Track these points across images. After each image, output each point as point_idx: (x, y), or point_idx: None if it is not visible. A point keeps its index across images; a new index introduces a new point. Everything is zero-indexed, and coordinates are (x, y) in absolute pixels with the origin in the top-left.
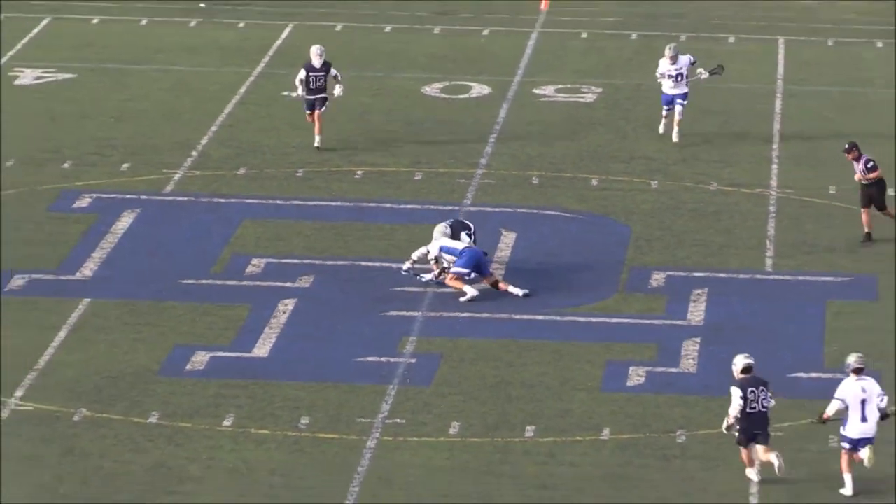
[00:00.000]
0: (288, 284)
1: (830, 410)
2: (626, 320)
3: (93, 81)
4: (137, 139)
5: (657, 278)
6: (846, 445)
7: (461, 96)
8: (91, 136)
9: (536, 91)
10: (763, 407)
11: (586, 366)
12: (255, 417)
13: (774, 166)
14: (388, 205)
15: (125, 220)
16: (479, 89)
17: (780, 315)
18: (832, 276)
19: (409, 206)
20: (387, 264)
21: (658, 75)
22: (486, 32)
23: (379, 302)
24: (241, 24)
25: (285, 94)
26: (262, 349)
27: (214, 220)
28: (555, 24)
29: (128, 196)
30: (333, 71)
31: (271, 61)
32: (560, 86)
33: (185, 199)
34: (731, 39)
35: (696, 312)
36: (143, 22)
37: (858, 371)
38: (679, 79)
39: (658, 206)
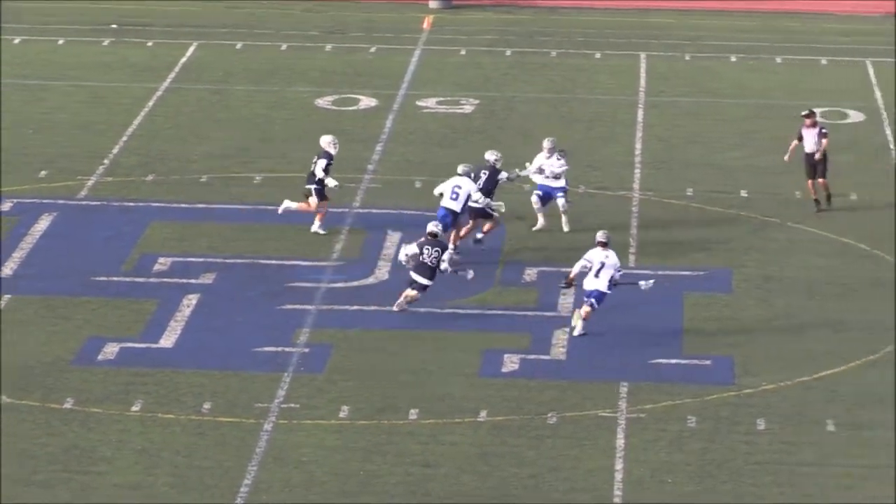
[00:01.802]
0: (192, 281)
1: (575, 270)
2: (501, 312)
3: (14, 96)
4: (54, 148)
5: (530, 273)
6: (590, 298)
7: (350, 108)
8: (12, 146)
9: (419, 103)
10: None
11: (465, 354)
12: (162, 403)
13: (637, 171)
14: None
15: (43, 223)
16: (366, 102)
17: (643, 306)
18: (689, 270)
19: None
20: (282, 262)
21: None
22: (373, 50)
23: (275, 296)
24: (150, 43)
25: (334, 184)
26: (168, 340)
27: (125, 223)
28: (436, 42)
29: (45, 201)
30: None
31: (177, 77)
32: (441, 98)
33: (98, 203)
34: (598, 55)
35: (566, 304)
36: (60, 42)
37: (604, 245)
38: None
39: (531, 207)
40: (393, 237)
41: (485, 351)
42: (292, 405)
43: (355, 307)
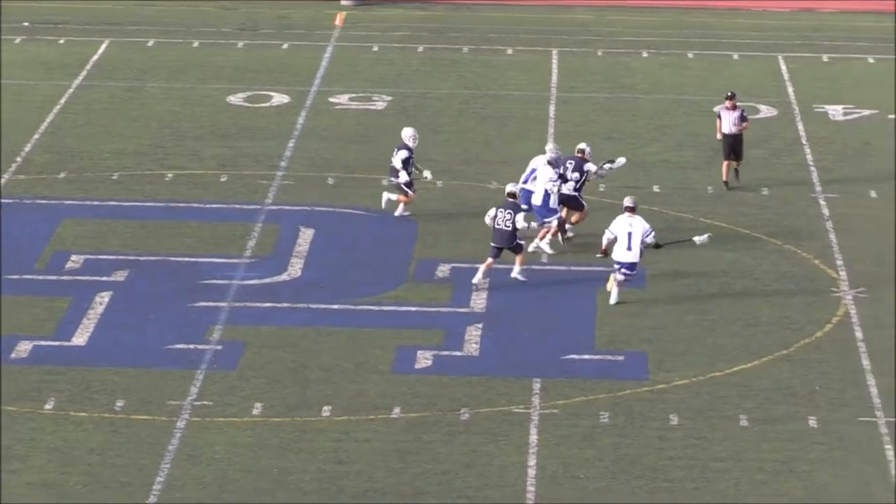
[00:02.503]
0: (104, 278)
1: (605, 242)
2: (414, 308)
3: None
4: None
5: (443, 270)
6: (616, 266)
7: (263, 105)
8: None
9: (332, 100)
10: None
11: (378, 350)
12: (75, 401)
13: None
14: (196, 205)
15: None
16: (279, 98)
17: (555, 302)
18: (602, 266)
19: (215, 206)
20: (194, 259)
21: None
22: (285, 46)
23: (188, 294)
24: (62, 41)
25: (426, 176)
26: (80, 338)
27: (37, 221)
28: (348, 39)
29: None
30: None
31: (89, 74)
32: (353, 95)
33: (11, 201)
34: (509, 51)
35: (479, 301)
36: None
37: (631, 210)
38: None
39: (443, 204)
40: (306, 234)
41: (398, 347)
42: (205, 403)
43: (268, 304)
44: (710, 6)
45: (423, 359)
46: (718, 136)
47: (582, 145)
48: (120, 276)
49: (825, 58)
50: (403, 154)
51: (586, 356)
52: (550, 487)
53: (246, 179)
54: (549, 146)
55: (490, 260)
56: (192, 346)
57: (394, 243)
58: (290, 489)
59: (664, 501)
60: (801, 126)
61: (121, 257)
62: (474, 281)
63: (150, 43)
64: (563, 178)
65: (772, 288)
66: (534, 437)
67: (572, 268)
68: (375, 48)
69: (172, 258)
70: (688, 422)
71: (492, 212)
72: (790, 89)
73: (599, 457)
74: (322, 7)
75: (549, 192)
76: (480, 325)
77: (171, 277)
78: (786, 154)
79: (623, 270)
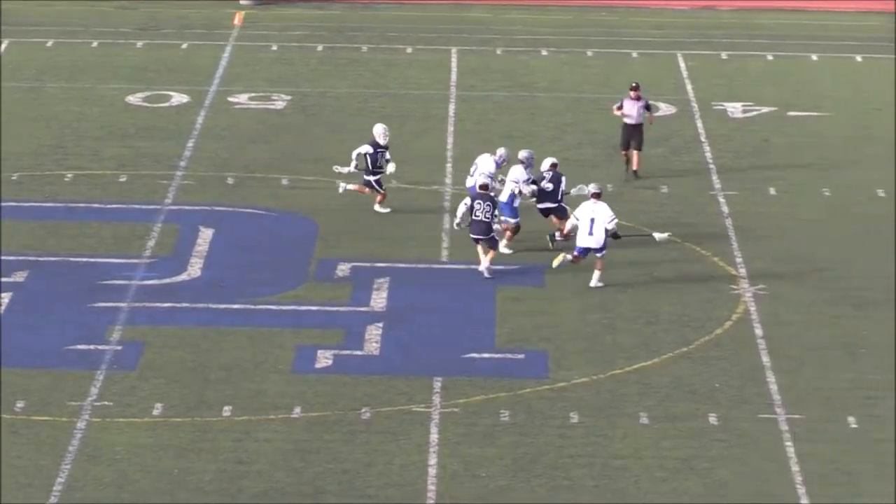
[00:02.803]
0: (4, 279)
1: (567, 227)
2: (314, 308)
3: None
4: None
5: (343, 269)
6: (577, 253)
7: (162, 105)
8: None
9: (231, 99)
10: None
11: (278, 350)
12: None
13: (449, 165)
14: (96, 205)
15: None
16: (178, 98)
17: (456, 301)
18: (502, 264)
19: (114, 207)
20: (94, 259)
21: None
22: (184, 46)
23: (88, 294)
24: None
25: (390, 170)
26: None
27: None
28: (247, 38)
29: None
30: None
31: None
32: (253, 94)
33: None
34: (409, 50)
35: (379, 300)
36: None
37: (597, 196)
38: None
39: (343, 203)
40: (206, 233)
41: (298, 347)
42: (105, 403)
43: (168, 304)
44: (610, 4)
45: (324, 358)
46: (616, 111)
47: (553, 159)
48: (20, 276)
49: (724, 55)
50: (366, 148)
51: (486, 355)
52: (451, 486)
53: (145, 179)
54: (523, 153)
55: (490, 250)
56: (92, 347)
57: (294, 243)
58: (190, 489)
59: (565, 500)
60: (700, 124)
61: (21, 258)
62: (485, 273)
63: (50, 43)
64: (535, 184)
65: (672, 286)
66: (434, 436)
67: (473, 267)
68: (274, 47)
69: (72, 258)
70: (588, 420)
71: (465, 203)
72: (689, 87)
73: (500, 455)
74: (221, 7)
75: (515, 193)
76: (381, 325)
77: (70, 278)
78: (685, 152)
79: (576, 254)
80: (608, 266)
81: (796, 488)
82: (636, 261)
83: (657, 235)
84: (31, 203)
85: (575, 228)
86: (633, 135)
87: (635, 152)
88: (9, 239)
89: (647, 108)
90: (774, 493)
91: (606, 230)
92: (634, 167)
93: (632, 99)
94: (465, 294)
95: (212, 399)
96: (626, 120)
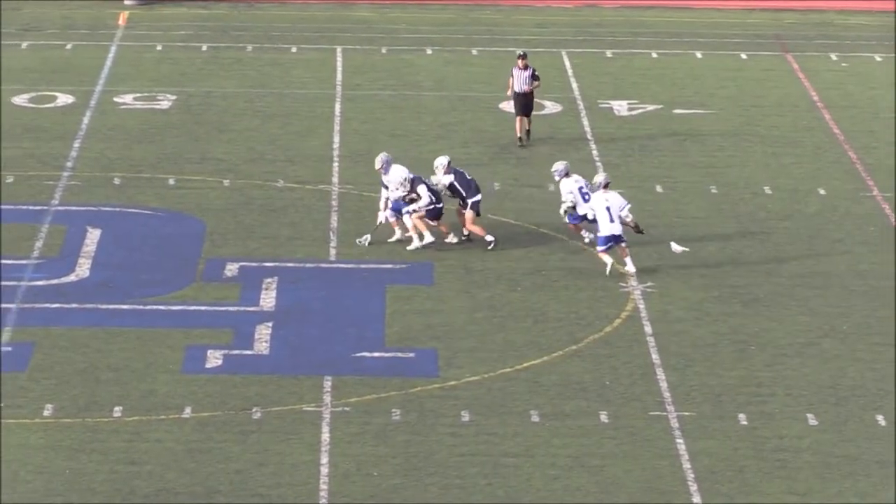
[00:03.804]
0: None
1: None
2: (203, 307)
3: None
4: None
5: (231, 268)
6: (601, 246)
7: (47, 105)
8: None
9: (116, 99)
10: None
11: (168, 350)
12: None
13: (335, 164)
14: None
15: None
16: (63, 99)
17: (345, 300)
18: (391, 263)
19: (1, 207)
20: None
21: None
22: (69, 47)
23: None
24: None
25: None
26: None
27: None
28: (132, 38)
29: None
30: None
31: None
32: (138, 94)
33: None
34: (294, 49)
35: (268, 299)
36: None
37: (606, 186)
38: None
39: (230, 203)
40: (93, 234)
41: (187, 347)
42: None
43: (56, 305)
44: (493, 3)
45: (213, 358)
46: (509, 93)
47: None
48: None
49: (609, 53)
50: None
51: (377, 353)
52: (343, 485)
53: (32, 181)
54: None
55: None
56: None
57: (181, 243)
58: (82, 490)
59: (457, 499)
60: (586, 122)
61: None
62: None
63: None
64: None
65: (560, 284)
66: (326, 436)
67: (361, 265)
68: (159, 47)
69: None
70: (479, 418)
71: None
72: (574, 85)
73: (392, 454)
74: (105, 7)
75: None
76: (270, 324)
77: None
78: (572, 150)
79: (605, 246)
80: (497, 265)
81: (688, 485)
82: (523, 258)
83: (675, 247)
84: None
85: (586, 220)
86: (525, 103)
87: (526, 118)
88: None
89: (535, 76)
90: (666, 490)
91: (621, 217)
92: (518, 134)
93: (520, 68)
94: (354, 293)
95: (102, 399)
96: (516, 88)
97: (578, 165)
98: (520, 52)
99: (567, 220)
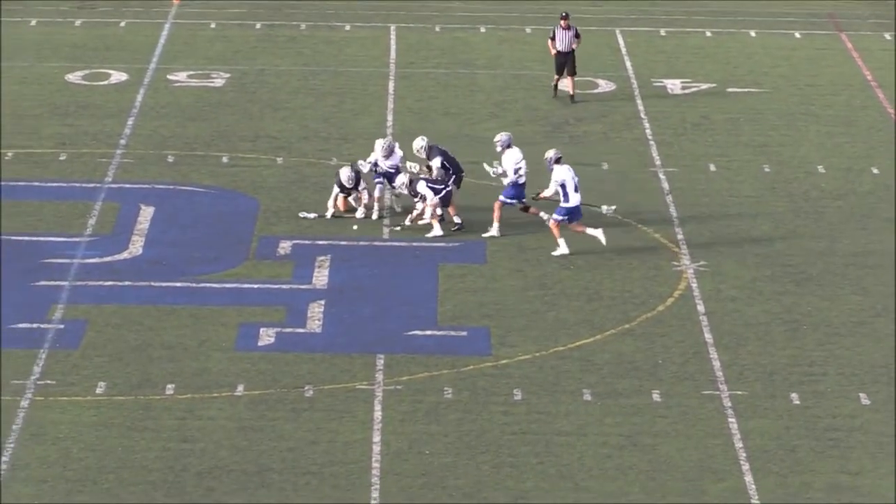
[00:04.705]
0: None
1: (550, 192)
2: (256, 285)
3: None
4: None
5: (284, 246)
6: (559, 217)
7: (101, 83)
8: None
9: (170, 77)
10: None
11: (220, 328)
12: None
13: None
14: (36, 183)
15: None
16: (117, 76)
17: (397, 278)
18: (443, 241)
19: (55, 185)
20: (35, 238)
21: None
22: (123, 24)
23: (29, 273)
24: None
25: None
26: None
27: None
28: (186, 16)
29: None
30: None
31: None
32: (192, 72)
33: None
34: (347, 27)
35: (321, 277)
36: None
37: (559, 160)
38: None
39: (283, 181)
40: (146, 211)
41: (240, 325)
42: (48, 382)
43: (109, 282)
44: None
45: (266, 336)
46: (553, 52)
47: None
48: None
49: (663, 32)
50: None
51: (429, 332)
52: (395, 463)
53: (85, 158)
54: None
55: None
56: (34, 326)
57: (235, 220)
58: (134, 467)
59: (508, 478)
60: (639, 100)
61: None
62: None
63: None
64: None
65: (613, 262)
66: (378, 414)
67: (414, 244)
68: (213, 25)
69: (13, 237)
70: (531, 396)
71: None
72: (628, 63)
73: (444, 433)
74: None
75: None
76: (323, 302)
77: (12, 257)
78: (625, 128)
79: (566, 217)
80: (550, 244)
81: (740, 464)
82: (577, 237)
83: (604, 208)
84: None
85: (556, 194)
86: (565, 62)
87: (570, 78)
88: None
89: (577, 36)
90: (718, 469)
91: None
92: (571, 92)
93: (562, 28)
94: (407, 271)
95: (155, 377)
96: (559, 47)
97: (632, 144)
98: (563, 13)
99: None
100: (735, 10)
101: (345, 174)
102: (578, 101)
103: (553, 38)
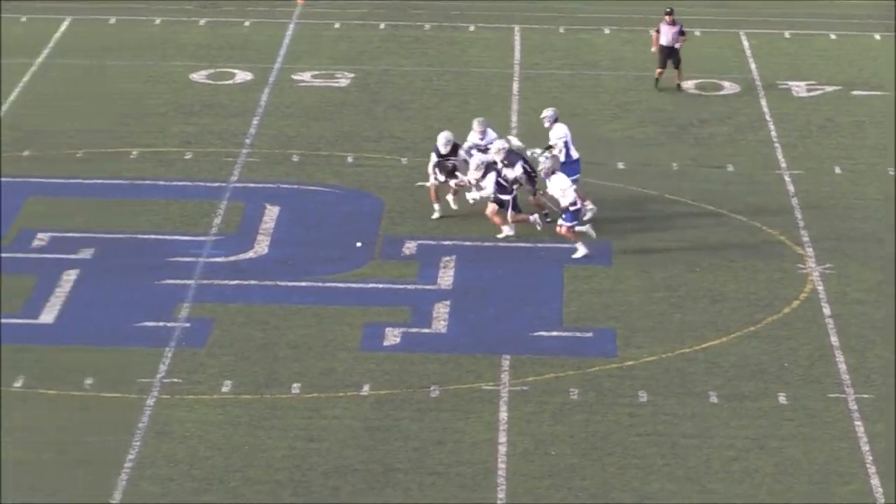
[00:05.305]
0: (71, 256)
1: (549, 161)
2: (381, 285)
3: None
4: None
5: (409, 246)
6: (568, 223)
7: (226, 82)
8: None
9: (295, 77)
10: None
11: (346, 328)
12: (44, 379)
13: None
14: (161, 182)
15: None
16: (242, 76)
17: (523, 279)
18: (569, 243)
19: (180, 184)
20: (161, 237)
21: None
22: (247, 24)
23: (155, 271)
24: (24, 19)
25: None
26: (48, 316)
27: (2, 199)
28: (310, 16)
29: None
30: (462, 154)
31: (51, 52)
32: (316, 72)
33: None
34: (472, 28)
35: (446, 277)
36: None
37: (556, 120)
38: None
39: (408, 181)
40: (272, 211)
41: (366, 325)
42: (174, 380)
43: (235, 281)
44: None
45: (392, 336)
46: (654, 48)
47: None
48: (86, 253)
49: (787, 34)
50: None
51: (555, 333)
52: (521, 464)
53: (211, 157)
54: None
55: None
56: (160, 324)
57: (360, 220)
58: (260, 466)
59: (635, 479)
60: (764, 102)
61: (87, 235)
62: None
63: (112, 20)
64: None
65: (738, 264)
66: (504, 414)
67: (539, 245)
68: (337, 25)
69: (139, 236)
70: (657, 398)
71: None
72: (752, 65)
73: (570, 434)
74: None
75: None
76: (448, 302)
77: (137, 255)
78: (750, 130)
79: (569, 222)
80: (675, 245)
81: (867, 467)
82: (702, 239)
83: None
84: (96, 180)
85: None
86: (669, 55)
87: (676, 70)
88: (75, 216)
89: (682, 32)
90: (845, 473)
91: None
92: (678, 80)
93: (667, 24)
94: (532, 272)
95: (281, 376)
96: (662, 42)
97: (757, 146)
98: (668, 8)
99: (563, 219)
100: (858, 13)
101: (442, 139)
102: (701, 101)
103: (658, 32)
